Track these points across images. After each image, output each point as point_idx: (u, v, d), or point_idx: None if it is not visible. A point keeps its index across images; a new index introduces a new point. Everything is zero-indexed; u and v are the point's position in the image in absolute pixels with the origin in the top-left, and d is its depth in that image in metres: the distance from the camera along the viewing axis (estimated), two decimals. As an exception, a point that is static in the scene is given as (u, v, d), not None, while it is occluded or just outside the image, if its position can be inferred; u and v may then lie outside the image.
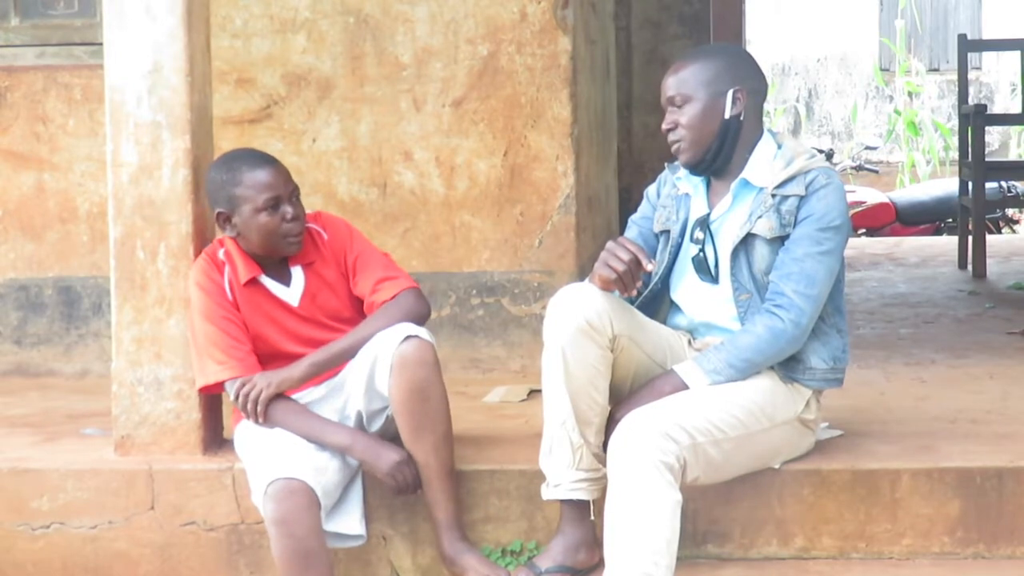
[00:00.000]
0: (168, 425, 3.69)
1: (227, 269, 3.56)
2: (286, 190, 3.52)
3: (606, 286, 3.27)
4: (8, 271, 4.99)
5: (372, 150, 4.81)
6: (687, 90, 3.40)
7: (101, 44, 3.78)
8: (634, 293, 3.31)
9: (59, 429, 4.11)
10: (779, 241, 3.38)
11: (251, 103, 4.86)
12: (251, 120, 4.84)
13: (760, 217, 3.38)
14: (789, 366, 3.39)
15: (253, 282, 3.57)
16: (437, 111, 4.79)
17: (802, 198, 3.36)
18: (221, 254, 3.59)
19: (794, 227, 3.36)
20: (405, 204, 4.82)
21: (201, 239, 3.69)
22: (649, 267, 3.24)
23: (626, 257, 3.22)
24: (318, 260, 3.62)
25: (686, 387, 3.31)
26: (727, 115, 3.40)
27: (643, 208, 3.63)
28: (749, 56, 3.56)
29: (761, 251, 3.39)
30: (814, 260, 3.33)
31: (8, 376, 4.97)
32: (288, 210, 3.50)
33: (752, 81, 3.45)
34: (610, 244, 3.26)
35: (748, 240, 3.39)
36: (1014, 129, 15.44)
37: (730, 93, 3.40)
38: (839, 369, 3.45)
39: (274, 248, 3.54)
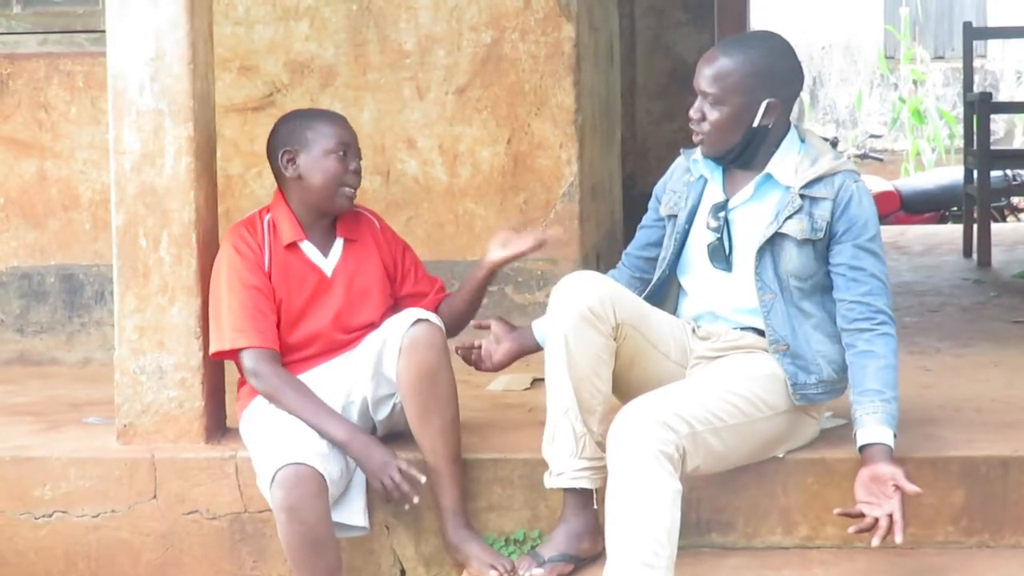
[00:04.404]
0: (171, 413, 3.68)
1: (267, 236, 3.56)
2: (356, 147, 3.61)
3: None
4: (10, 259, 4.98)
5: (375, 138, 4.80)
6: (720, 91, 3.33)
7: (103, 31, 3.78)
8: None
9: (61, 417, 4.10)
10: (809, 243, 3.35)
11: (254, 91, 4.85)
12: (254, 108, 4.83)
13: (789, 218, 3.35)
14: (802, 385, 3.38)
15: (293, 247, 3.57)
16: (440, 99, 4.78)
17: (834, 203, 3.34)
18: (267, 219, 3.59)
19: (830, 235, 3.35)
20: (408, 192, 4.81)
21: (204, 227, 3.68)
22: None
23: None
24: (362, 240, 3.65)
25: (891, 451, 3.27)
26: (756, 124, 3.36)
27: (651, 211, 3.63)
28: (790, 54, 3.42)
29: (790, 252, 3.36)
30: (878, 267, 3.36)
31: (10, 364, 4.96)
32: (355, 163, 3.57)
33: (788, 88, 3.38)
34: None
35: (776, 240, 3.37)
36: (1019, 117, 15.39)
37: (764, 105, 3.34)
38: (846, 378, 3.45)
39: (330, 197, 3.56)
